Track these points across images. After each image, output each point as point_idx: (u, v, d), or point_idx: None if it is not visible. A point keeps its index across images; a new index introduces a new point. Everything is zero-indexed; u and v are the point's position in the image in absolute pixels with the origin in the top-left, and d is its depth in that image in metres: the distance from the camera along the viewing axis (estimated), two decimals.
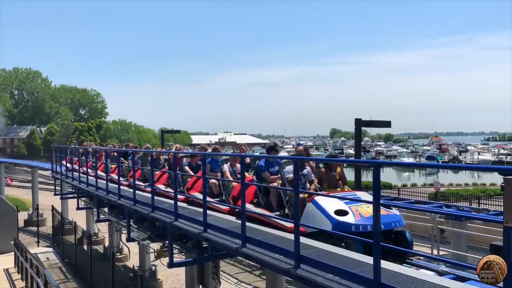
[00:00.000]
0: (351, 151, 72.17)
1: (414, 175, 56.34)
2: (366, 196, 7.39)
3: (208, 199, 8.61)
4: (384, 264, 4.54)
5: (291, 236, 5.94)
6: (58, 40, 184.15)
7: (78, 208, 17.03)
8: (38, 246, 22.11)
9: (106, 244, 19.78)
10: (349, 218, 6.09)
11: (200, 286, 10.87)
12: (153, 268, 15.43)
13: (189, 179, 10.08)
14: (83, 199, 16.57)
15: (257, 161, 8.45)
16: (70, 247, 18.42)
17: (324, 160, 8.21)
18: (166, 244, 9.51)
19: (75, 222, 18.83)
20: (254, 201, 7.89)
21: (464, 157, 77.99)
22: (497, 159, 69.06)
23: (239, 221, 6.92)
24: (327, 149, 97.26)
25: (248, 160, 9.73)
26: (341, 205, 6.29)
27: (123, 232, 13.21)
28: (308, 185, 7.42)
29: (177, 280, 15.96)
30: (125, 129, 76.29)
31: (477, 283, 4.67)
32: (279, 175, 7.62)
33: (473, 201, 26.29)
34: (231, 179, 8.65)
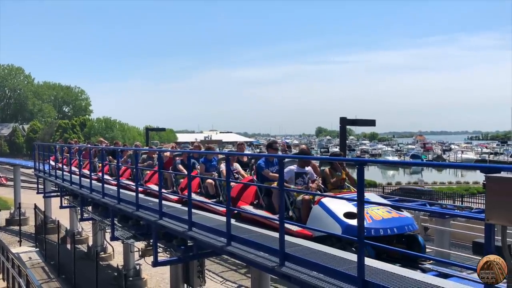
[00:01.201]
0: (336, 150, 72.53)
1: (398, 174, 56.82)
2: (375, 197, 7.01)
3: (204, 200, 8.52)
4: (368, 261, 4.56)
5: (286, 235, 5.74)
6: (41, 36, 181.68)
7: (61, 207, 16.79)
8: (20, 245, 21.79)
9: (90, 243, 19.60)
10: None
11: (185, 285, 10.83)
12: (138, 267, 15.33)
13: (181, 179, 9.78)
14: (66, 197, 16.38)
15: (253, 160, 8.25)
16: (53, 247, 18.22)
17: (310, 158, 8.05)
18: (151, 243, 9.44)
19: (58, 221, 18.65)
20: (255, 202, 7.47)
21: (448, 156, 78.97)
22: (480, 158, 70.09)
23: (240, 224, 6.87)
24: (313, 148, 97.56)
25: (245, 158, 9.54)
26: (350, 207, 5.88)
27: (107, 231, 13.09)
28: (311, 184, 7.09)
29: (162, 279, 15.87)
30: (110, 126, 75.60)
31: (459, 279, 4.73)
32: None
33: (456, 199, 26.64)
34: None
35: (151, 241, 9.04)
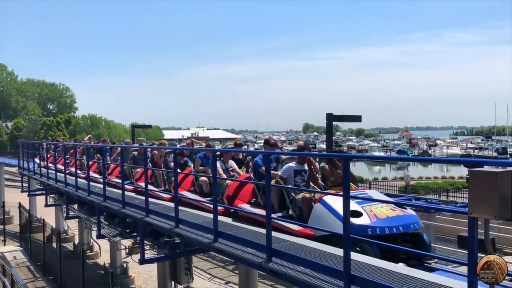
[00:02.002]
0: (324, 146, 72.85)
1: (385, 169, 57.27)
2: (378, 195, 6.88)
3: (199, 198, 8.31)
4: (354, 256, 4.59)
5: (287, 235, 5.73)
6: (24, 33, 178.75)
7: (46, 205, 16.64)
8: (5, 244, 21.50)
9: (76, 241, 19.41)
10: (364, 220, 5.51)
11: (173, 282, 10.80)
12: (125, 265, 15.24)
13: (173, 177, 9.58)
14: (51, 196, 16.21)
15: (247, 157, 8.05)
16: (39, 245, 18.02)
17: (295, 154, 7.92)
18: (138, 241, 9.39)
19: (43, 219, 18.43)
20: (252, 201, 7.23)
21: (434, 151, 79.69)
22: (465, 153, 70.88)
23: (237, 224, 6.70)
24: None
25: (240, 156, 9.31)
26: (353, 205, 5.62)
27: (93, 229, 13.00)
28: (311, 183, 6.90)
29: (150, 277, 15.80)
30: (95, 124, 74.81)
31: (444, 273, 4.79)
32: (278, 172, 7.05)
33: (442, 193, 26.94)
34: (224, 176, 8.13)
35: (138, 238, 8.99)
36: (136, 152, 11.61)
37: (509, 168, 3.24)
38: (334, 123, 15.25)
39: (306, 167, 6.85)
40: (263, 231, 6.06)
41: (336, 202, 5.74)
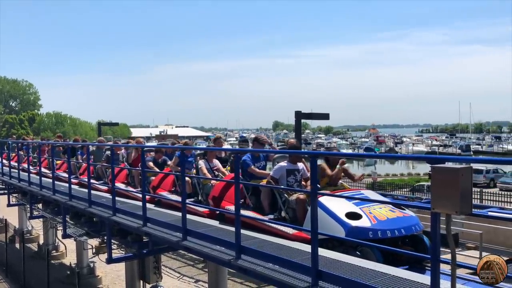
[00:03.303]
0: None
1: (352, 166, 58.10)
2: (375, 195, 6.66)
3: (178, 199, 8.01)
4: (323, 252, 4.66)
5: (282, 239, 5.48)
6: None
7: (9, 205, 16.16)
8: None
9: (41, 241, 18.92)
10: (365, 223, 5.24)
11: (141, 282, 10.67)
12: (92, 264, 14.95)
13: (153, 177, 9.22)
14: (14, 195, 15.76)
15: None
16: (1, 246, 17.48)
17: (301, 153, 7.39)
18: (105, 240, 9.24)
19: (5, 219, 17.90)
20: (240, 202, 6.92)
21: (400, 149, 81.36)
22: (430, 150, 72.73)
23: (227, 227, 6.36)
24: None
25: (223, 154, 8.88)
26: (351, 207, 5.45)
27: (59, 228, 12.71)
28: (304, 183, 6.59)
29: (117, 276, 15.55)
30: (60, 122, 73.16)
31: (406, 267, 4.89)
32: (268, 171, 6.80)
33: (407, 190, 27.62)
34: (209, 176, 7.77)
35: (105, 238, 8.86)
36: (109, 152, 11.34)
37: (469, 165, 3.35)
38: (303, 121, 15.41)
39: (299, 166, 6.58)
40: (229, 228, 6.09)
41: (333, 203, 5.49)
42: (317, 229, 4.36)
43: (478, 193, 24.11)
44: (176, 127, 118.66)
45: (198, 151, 8.86)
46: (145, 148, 9.72)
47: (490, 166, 35.54)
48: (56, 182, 11.18)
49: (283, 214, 6.12)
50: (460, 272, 4.63)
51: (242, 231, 5.29)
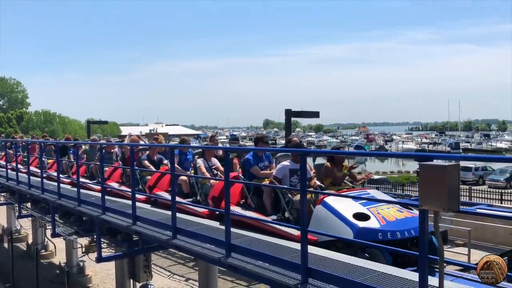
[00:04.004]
0: (284, 142, 73.37)
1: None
2: (381, 195, 6.53)
3: (178, 199, 7.67)
4: (312, 249, 4.68)
5: (287, 240, 5.32)
6: None
7: None
8: None
9: (30, 241, 18.76)
10: (373, 223, 5.08)
11: (131, 281, 10.63)
12: (81, 264, 14.87)
13: (148, 176, 8.97)
14: (2, 194, 15.61)
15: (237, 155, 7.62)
16: None
17: (304, 151, 7.35)
18: (95, 239, 9.19)
19: None
20: (241, 202, 6.72)
21: (390, 147, 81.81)
22: (420, 148, 73.17)
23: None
24: None
25: (220, 152, 8.56)
26: (358, 207, 5.28)
27: (47, 227, 12.61)
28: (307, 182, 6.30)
29: (107, 275, 15.48)
30: (49, 120, 72.59)
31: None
32: (271, 171, 6.61)
33: (397, 187, 27.78)
34: (208, 175, 7.61)
35: (95, 236, 8.80)
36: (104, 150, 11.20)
37: (456, 162, 3.39)
38: (293, 119, 15.44)
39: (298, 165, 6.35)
40: (218, 225, 6.09)
41: (339, 203, 5.34)
42: (306, 226, 4.37)
43: (467, 190, 24.33)
44: (166, 125, 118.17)
45: (196, 150, 8.68)
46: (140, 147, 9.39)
47: (479, 164, 35.84)
48: (47, 181, 11.12)
49: (286, 214, 5.96)
50: (449, 268, 4.69)
51: (232, 229, 5.29)
